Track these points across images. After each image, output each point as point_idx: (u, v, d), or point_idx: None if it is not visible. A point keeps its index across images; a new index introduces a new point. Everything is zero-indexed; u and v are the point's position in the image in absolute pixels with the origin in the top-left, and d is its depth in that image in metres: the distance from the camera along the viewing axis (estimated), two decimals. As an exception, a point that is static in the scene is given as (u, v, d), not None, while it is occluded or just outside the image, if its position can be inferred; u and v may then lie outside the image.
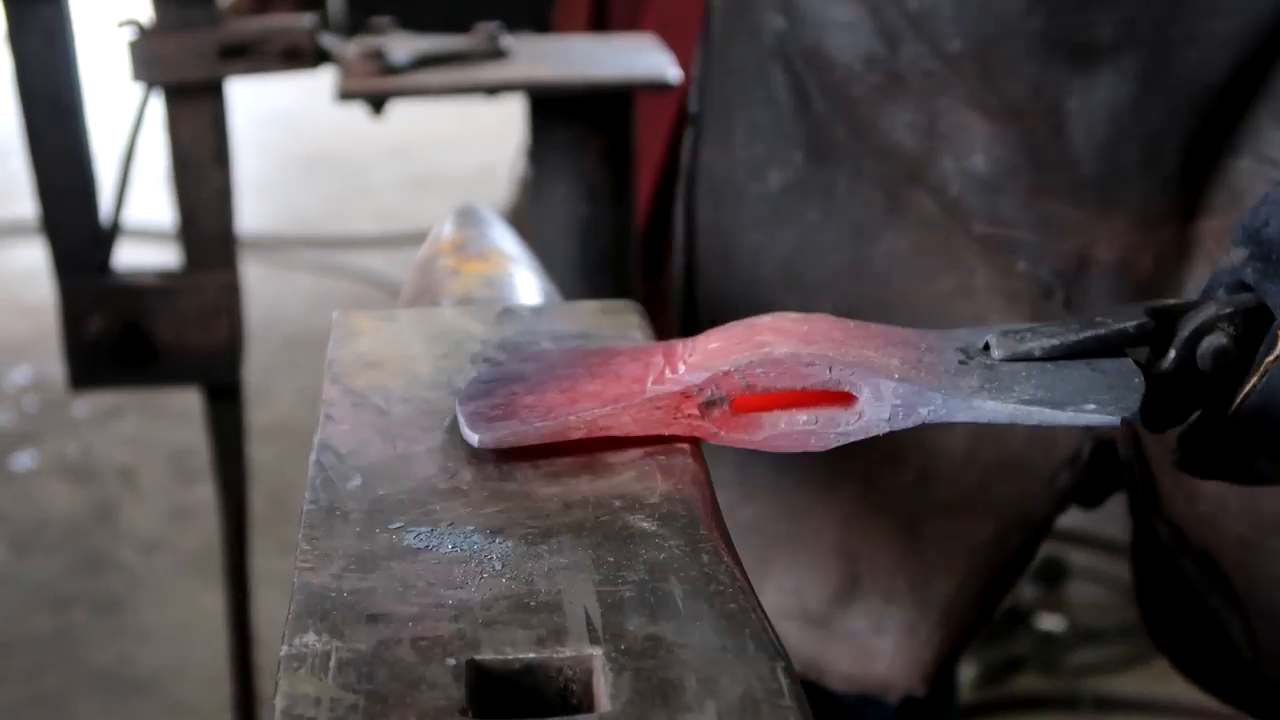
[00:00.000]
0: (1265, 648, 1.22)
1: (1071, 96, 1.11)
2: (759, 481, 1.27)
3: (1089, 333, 0.82)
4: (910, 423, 0.80)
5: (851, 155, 1.22)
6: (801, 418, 0.81)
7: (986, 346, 0.83)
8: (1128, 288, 1.17)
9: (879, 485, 1.26)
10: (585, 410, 0.81)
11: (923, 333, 0.85)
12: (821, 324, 0.83)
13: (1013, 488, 1.24)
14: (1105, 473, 1.24)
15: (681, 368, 0.82)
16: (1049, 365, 0.82)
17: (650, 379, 0.83)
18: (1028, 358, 0.82)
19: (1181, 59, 1.09)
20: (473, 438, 0.81)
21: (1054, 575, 2.92)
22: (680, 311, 1.38)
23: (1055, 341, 0.82)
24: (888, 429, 0.80)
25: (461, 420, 0.82)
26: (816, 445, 0.81)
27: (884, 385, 0.79)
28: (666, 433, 0.81)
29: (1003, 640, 2.81)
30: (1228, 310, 0.82)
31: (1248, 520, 1.19)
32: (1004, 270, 1.19)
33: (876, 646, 1.29)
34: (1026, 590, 2.92)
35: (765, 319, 0.84)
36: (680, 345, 0.86)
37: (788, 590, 1.28)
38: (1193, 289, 1.16)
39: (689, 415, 0.81)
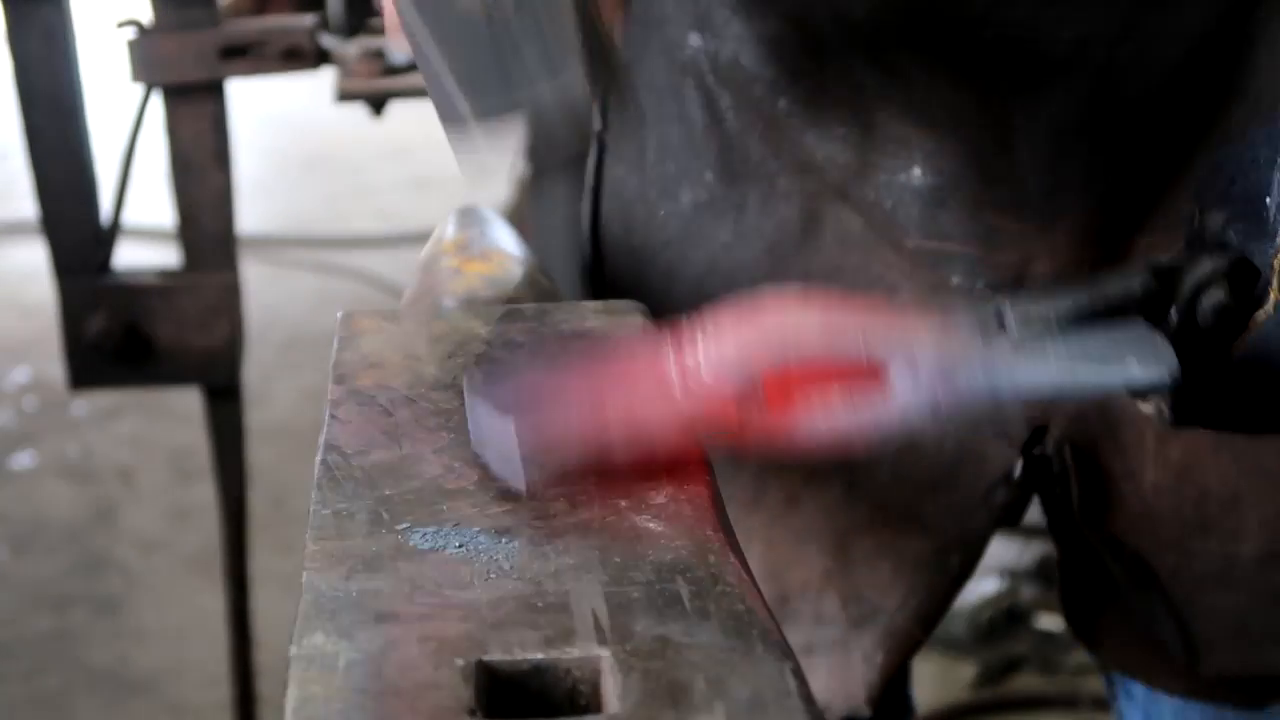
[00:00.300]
0: (1201, 645, 1.23)
1: (1019, 111, 1.10)
2: None
3: (1099, 298, 0.83)
4: (950, 398, 0.78)
5: (765, 173, 1.20)
6: (838, 408, 0.79)
7: (1000, 318, 0.84)
8: None
9: (803, 505, 1.25)
10: (626, 426, 0.78)
11: (929, 306, 0.85)
12: (832, 304, 0.82)
13: (948, 504, 1.23)
14: (1035, 488, 1.24)
15: (705, 368, 0.80)
16: (1068, 331, 0.82)
17: (676, 384, 0.81)
18: (1045, 323, 0.83)
19: (1128, 79, 1.08)
20: (520, 478, 0.78)
21: (1053, 575, 2.92)
22: None
23: (1069, 304, 0.83)
24: (928, 413, 0.78)
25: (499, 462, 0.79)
26: (857, 437, 0.80)
27: (921, 362, 0.78)
28: (705, 439, 0.80)
29: (1002, 640, 2.81)
30: (1223, 266, 0.83)
31: (1174, 523, 1.20)
32: (936, 285, 1.17)
33: (808, 665, 1.26)
34: (1026, 590, 2.92)
35: (767, 302, 0.83)
36: (687, 342, 0.83)
37: None
38: None
39: (726, 419, 0.79)
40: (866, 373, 0.79)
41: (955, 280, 1.17)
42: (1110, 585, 1.27)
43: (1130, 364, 0.79)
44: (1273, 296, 0.81)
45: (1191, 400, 0.87)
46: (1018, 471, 1.21)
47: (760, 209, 1.20)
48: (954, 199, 1.14)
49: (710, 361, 0.81)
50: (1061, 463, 1.21)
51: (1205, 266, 0.84)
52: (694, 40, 1.20)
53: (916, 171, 1.14)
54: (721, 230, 1.22)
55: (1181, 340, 0.84)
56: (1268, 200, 0.81)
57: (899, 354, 0.78)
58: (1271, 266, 0.81)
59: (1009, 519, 1.26)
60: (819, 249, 1.20)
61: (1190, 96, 1.11)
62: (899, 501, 1.23)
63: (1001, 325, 0.83)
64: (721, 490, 1.25)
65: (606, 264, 1.31)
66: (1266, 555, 1.20)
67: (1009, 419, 1.18)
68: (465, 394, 0.83)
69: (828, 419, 0.79)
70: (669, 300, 1.24)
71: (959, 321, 0.83)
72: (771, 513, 1.25)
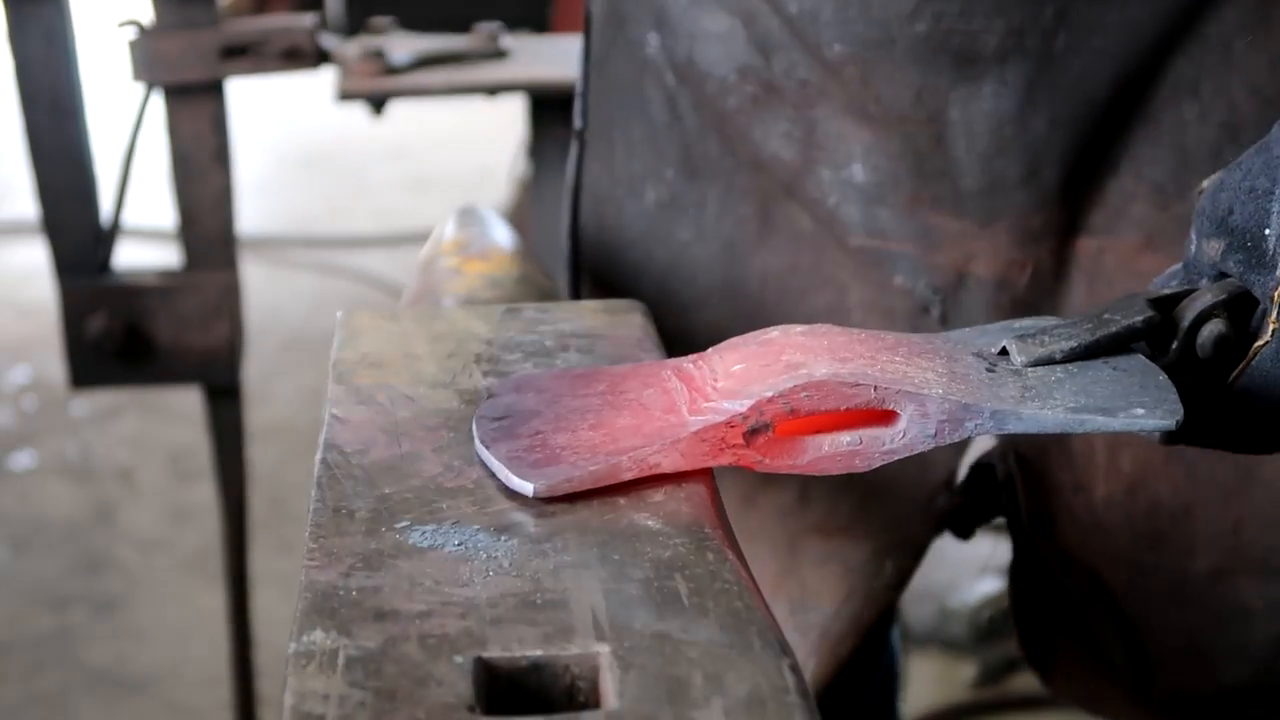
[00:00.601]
0: (1154, 664, 1.22)
1: (954, 105, 1.10)
2: None
3: (1103, 332, 0.83)
4: (956, 437, 0.79)
5: (723, 171, 1.20)
6: (845, 439, 0.79)
7: (1004, 352, 0.83)
8: (1004, 304, 1.16)
9: (758, 506, 1.24)
10: (634, 450, 0.78)
11: (931, 338, 0.85)
12: (839, 338, 0.81)
13: (890, 510, 1.22)
14: (982, 495, 1.24)
15: (712, 393, 0.80)
16: (1073, 368, 0.82)
17: (684, 408, 0.81)
18: (1050, 361, 0.82)
19: (1065, 72, 1.08)
20: (525, 487, 0.77)
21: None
22: None
23: (1074, 344, 0.82)
24: (933, 444, 0.79)
25: (503, 467, 0.79)
26: (860, 465, 0.80)
27: (930, 403, 0.78)
28: (713, 464, 0.79)
29: (1002, 639, 2.82)
30: (1222, 297, 0.83)
31: (1126, 537, 1.19)
32: (879, 285, 1.17)
33: None
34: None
35: (774, 334, 0.82)
36: (692, 367, 0.83)
37: None
38: (1069, 307, 1.16)
39: (734, 445, 0.79)
40: (875, 416, 0.79)
41: (898, 280, 1.17)
42: (1063, 606, 1.26)
43: (1137, 411, 0.79)
44: (1270, 327, 0.81)
45: (1188, 425, 0.87)
46: (960, 477, 1.21)
47: (720, 208, 1.21)
48: (892, 196, 1.14)
49: (714, 381, 0.81)
50: (1006, 470, 1.20)
51: (1205, 298, 0.83)
52: (653, 38, 1.21)
53: (856, 168, 1.14)
54: (681, 229, 1.22)
55: (1180, 370, 0.84)
56: (1267, 231, 0.81)
57: (909, 403, 0.78)
58: (1271, 298, 0.81)
59: (959, 529, 1.25)
60: (774, 248, 1.20)
61: (1128, 89, 1.10)
62: (847, 506, 1.23)
63: (1007, 360, 0.83)
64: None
65: (584, 261, 1.31)
66: (1218, 571, 1.19)
67: None
68: (477, 443, 0.82)
69: (833, 448, 0.79)
70: (635, 298, 1.24)
71: (961, 358, 0.82)
72: (730, 512, 1.25)
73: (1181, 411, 0.79)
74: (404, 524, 0.75)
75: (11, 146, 3.80)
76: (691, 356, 0.85)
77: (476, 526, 0.75)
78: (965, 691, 2.73)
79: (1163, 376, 0.81)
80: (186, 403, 3.31)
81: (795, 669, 0.63)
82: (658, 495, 0.78)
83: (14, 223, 5.00)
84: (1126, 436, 1.14)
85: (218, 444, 2.21)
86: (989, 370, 0.82)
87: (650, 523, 0.75)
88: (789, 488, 1.23)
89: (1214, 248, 0.85)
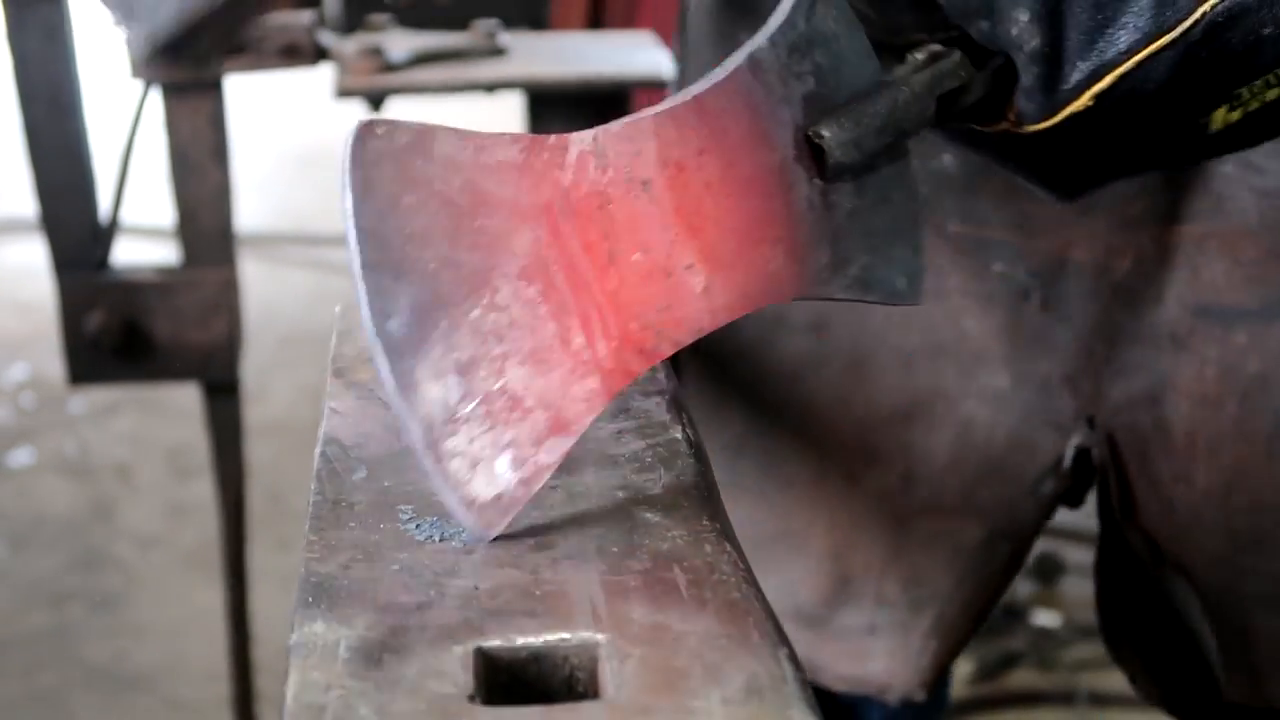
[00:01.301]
0: (1234, 667, 1.21)
1: None
2: (745, 483, 1.27)
3: (893, 135, 0.85)
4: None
5: None
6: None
7: (821, 153, 0.83)
8: (1104, 289, 1.16)
9: (863, 487, 1.25)
10: (573, 432, 0.75)
11: (751, 98, 0.83)
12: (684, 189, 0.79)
13: (998, 493, 1.22)
14: (1086, 478, 1.24)
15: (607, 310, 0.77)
16: (856, 192, 0.85)
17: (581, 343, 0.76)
18: (859, 151, 0.84)
19: None
20: (486, 535, 0.74)
21: (1049, 571, 2.93)
22: None
23: (876, 126, 0.84)
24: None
25: (462, 512, 0.73)
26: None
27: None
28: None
29: (999, 636, 2.82)
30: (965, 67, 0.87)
31: (1223, 535, 1.17)
32: (977, 273, 1.18)
33: (871, 647, 1.27)
34: (1022, 586, 2.93)
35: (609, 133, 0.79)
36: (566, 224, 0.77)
37: (779, 589, 1.27)
38: (1172, 295, 1.15)
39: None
40: None
41: (997, 266, 1.17)
42: (1151, 603, 1.25)
43: (899, 282, 0.86)
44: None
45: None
46: (1067, 461, 1.21)
47: None
48: (985, 185, 1.14)
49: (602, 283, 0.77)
50: (1102, 455, 1.20)
51: (948, 63, 0.87)
52: (746, 25, 1.21)
53: (947, 159, 1.15)
54: None
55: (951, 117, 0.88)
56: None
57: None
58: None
59: (1070, 501, 1.25)
60: None
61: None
62: (954, 488, 1.23)
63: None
64: (780, 473, 1.26)
65: None
66: None
67: (1060, 408, 1.18)
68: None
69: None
70: None
71: (793, 184, 0.83)
72: (833, 495, 1.25)
73: (919, 295, 0.86)
74: (403, 516, 0.75)
75: (10, 143, 3.80)
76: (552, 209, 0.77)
77: (476, 519, 0.75)
78: (962, 687, 2.74)
79: (919, 259, 0.87)
80: (185, 399, 3.31)
81: (793, 658, 0.64)
82: (655, 489, 0.78)
83: (12, 219, 5.00)
84: (1228, 430, 1.15)
85: (216, 441, 2.21)
86: (809, 204, 0.83)
87: (648, 515, 0.76)
88: (892, 471, 1.24)
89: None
